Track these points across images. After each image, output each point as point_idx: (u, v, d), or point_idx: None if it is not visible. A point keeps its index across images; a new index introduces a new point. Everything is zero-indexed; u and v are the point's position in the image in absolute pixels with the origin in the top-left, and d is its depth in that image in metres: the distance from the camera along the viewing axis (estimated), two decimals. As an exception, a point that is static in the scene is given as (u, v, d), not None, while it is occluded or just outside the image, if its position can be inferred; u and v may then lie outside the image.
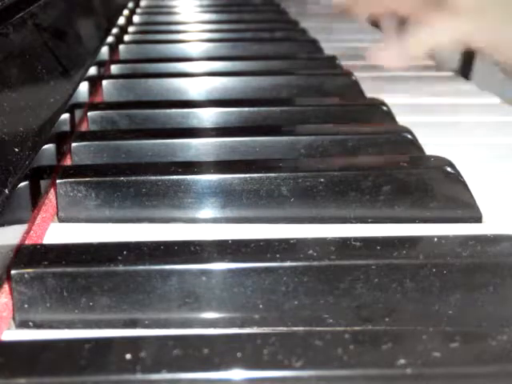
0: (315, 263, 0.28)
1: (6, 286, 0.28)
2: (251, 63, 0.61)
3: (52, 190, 0.37)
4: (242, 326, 0.27)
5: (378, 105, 0.49)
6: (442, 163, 0.37)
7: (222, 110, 0.47)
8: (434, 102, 0.58)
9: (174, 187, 0.35)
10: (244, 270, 0.27)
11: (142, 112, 0.47)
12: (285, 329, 0.27)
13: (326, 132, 0.43)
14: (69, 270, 0.27)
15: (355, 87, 0.55)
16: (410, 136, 0.42)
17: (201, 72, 0.58)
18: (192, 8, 0.92)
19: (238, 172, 0.35)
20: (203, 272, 0.27)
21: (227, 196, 0.35)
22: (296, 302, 0.27)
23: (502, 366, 0.22)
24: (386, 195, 0.35)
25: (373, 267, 0.27)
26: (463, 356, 0.23)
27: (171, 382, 0.21)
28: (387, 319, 0.28)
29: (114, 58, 0.64)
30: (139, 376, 0.21)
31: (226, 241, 0.29)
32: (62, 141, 0.40)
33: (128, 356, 0.22)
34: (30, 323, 0.27)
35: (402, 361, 0.22)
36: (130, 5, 0.87)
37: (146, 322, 0.27)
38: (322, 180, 0.35)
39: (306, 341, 0.23)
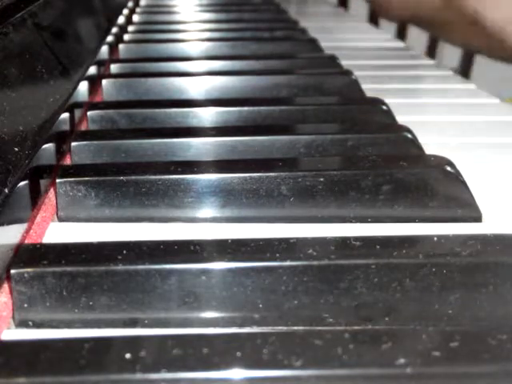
0: (315, 262, 0.28)
1: (5, 286, 0.28)
2: (251, 62, 0.61)
3: (52, 190, 0.37)
4: (241, 325, 0.27)
5: (377, 104, 0.49)
6: (441, 163, 0.37)
7: (221, 110, 0.47)
8: (434, 102, 0.58)
9: (173, 187, 0.35)
10: (244, 269, 0.27)
11: (142, 111, 0.47)
12: (284, 328, 0.27)
13: (325, 131, 0.43)
14: (68, 269, 0.27)
15: (355, 86, 0.55)
16: (409, 135, 0.42)
17: (200, 71, 0.58)
18: (192, 7, 0.92)
19: (238, 171, 0.35)
20: (203, 271, 0.27)
21: (227, 195, 0.35)
22: (296, 302, 0.27)
23: (501, 365, 0.22)
24: (386, 195, 0.35)
25: (372, 267, 0.27)
26: (463, 355, 0.23)
27: (171, 381, 0.21)
28: (387, 319, 0.28)
29: (113, 57, 0.64)
30: (139, 375, 0.21)
31: (226, 240, 0.29)
32: (62, 140, 0.40)
33: (128, 355, 0.22)
34: (30, 323, 0.27)
35: (402, 360, 0.22)
36: (130, 4, 0.87)
37: (146, 322, 0.27)
38: (321, 179, 0.35)
39: (305, 340, 0.23)
